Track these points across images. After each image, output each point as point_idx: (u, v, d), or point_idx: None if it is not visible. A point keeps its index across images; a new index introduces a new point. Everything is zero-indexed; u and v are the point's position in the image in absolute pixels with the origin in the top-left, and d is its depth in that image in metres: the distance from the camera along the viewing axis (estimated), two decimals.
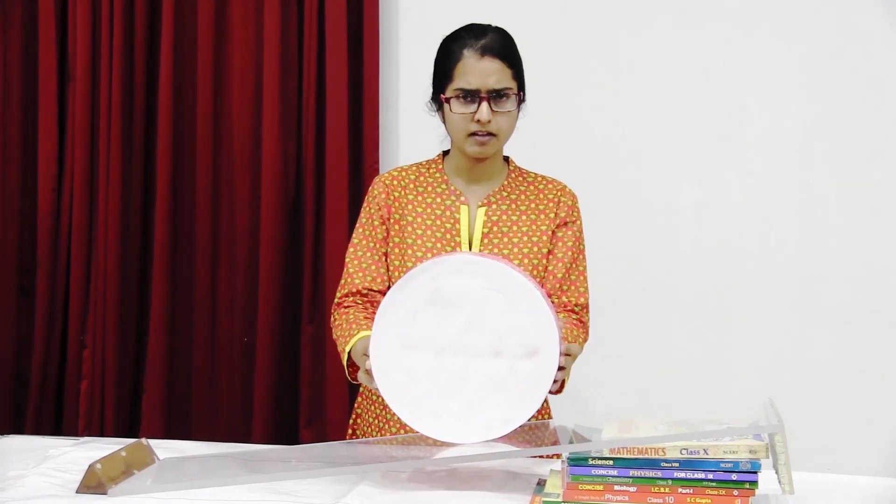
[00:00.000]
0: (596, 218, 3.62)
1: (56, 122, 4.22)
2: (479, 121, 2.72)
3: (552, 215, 2.84)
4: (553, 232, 2.82)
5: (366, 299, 2.74)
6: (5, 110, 4.22)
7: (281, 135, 4.16)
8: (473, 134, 2.73)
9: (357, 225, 2.87)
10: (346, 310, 2.75)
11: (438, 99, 2.78)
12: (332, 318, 2.83)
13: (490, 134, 2.72)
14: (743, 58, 4.21)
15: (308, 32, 4.13)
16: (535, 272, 2.79)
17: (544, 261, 2.82)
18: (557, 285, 2.80)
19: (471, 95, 2.71)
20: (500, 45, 2.74)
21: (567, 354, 2.42)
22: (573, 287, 2.83)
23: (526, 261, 2.80)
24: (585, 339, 2.83)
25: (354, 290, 2.76)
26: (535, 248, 2.81)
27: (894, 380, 3.99)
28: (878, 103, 4.11)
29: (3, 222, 4.21)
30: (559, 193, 2.86)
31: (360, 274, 2.78)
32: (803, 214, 4.10)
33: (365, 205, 2.88)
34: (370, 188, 2.89)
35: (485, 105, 2.70)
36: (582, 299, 2.84)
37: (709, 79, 4.22)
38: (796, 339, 4.07)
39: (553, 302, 2.72)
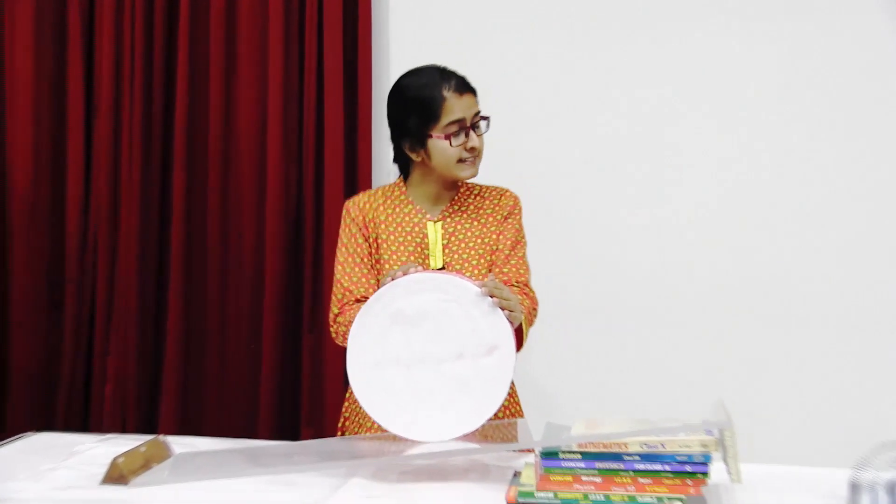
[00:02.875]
0: (560, 234, 3.82)
1: (83, 151, 4.33)
2: (472, 148, 2.85)
3: (498, 217, 2.96)
4: (499, 225, 2.95)
5: None
6: (37, 139, 4.31)
7: (283, 160, 4.26)
8: (462, 160, 2.85)
9: (339, 245, 2.93)
10: (351, 309, 2.78)
11: (422, 140, 2.84)
12: (333, 329, 2.88)
13: (475, 156, 2.88)
14: (701, 70, 4.20)
15: (308, 67, 4.23)
16: (490, 266, 2.92)
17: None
18: (503, 259, 2.90)
19: (460, 128, 2.83)
20: (467, 81, 2.88)
21: (506, 299, 2.52)
22: (515, 266, 2.92)
23: (483, 260, 2.91)
24: (534, 308, 2.88)
25: (352, 298, 2.82)
26: (488, 248, 2.93)
27: (833, 379, 4.05)
28: (811, 114, 4.13)
29: (35, 242, 4.33)
30: (500, 197, 3.00)
31: (355, 285, 2.84)
32: (749, 225, 4.17)
33: (344, 226, 2.94)
34: (345, 212, 2.95)
35: (472, 134, 2.85)
36: (523, 278, 2.92)
37: (661, 90, 4.24)
38: (743, 344, 4.15)
39: (496, 275, 2.87)
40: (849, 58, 4.10)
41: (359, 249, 2.92)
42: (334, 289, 2.91)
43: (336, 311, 2.86)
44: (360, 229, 2.93)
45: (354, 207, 2.97)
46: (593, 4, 4.27)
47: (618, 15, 4.25)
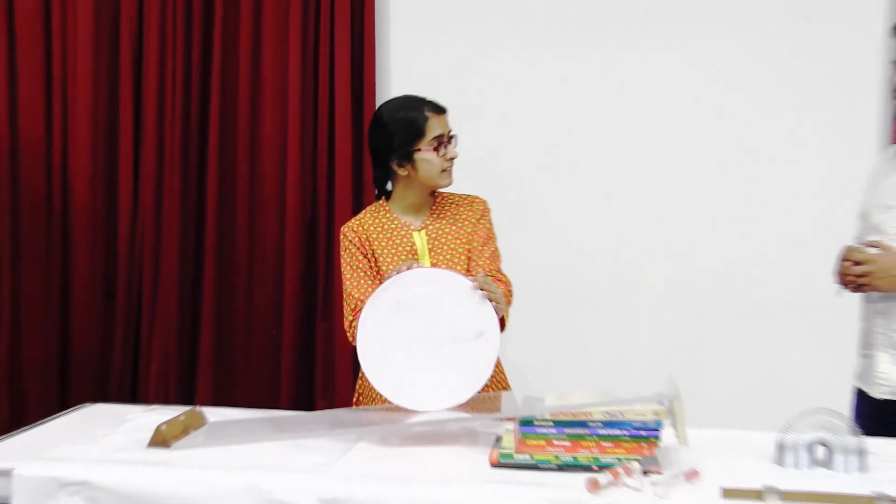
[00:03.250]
0: (533, 232, 3.83)
1: (132, 167, 4.31)
2: (451, 158, 2.89)
3: (472, 219, 2.96)
4: (473, 226, 2.95)
5: None
6: (94, 158, 4.30)
7: (300, 175, 4.26)
8: (444, 170, 2.89)
9: (344, 265, 2.92)
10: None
11: (409, 155, 2.85)
12: (350, 333, 2.81)
13: (452, 165, 2.90)
14: (645, 73, 4.19)
15: (321, 95, 4.23)
16: (469, 260, 2.92)
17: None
18: (478, 252, 2.90)
19: (440, 142, 2.86)
20: (440, 104, 2.90)
21: (493, 292, 2.58)
22: (489, 258, 2.92)
23: (463, 257, 2.91)
24: (509, 290, 2.87)
25: (362, 307, 2.70)
26: (466, 247, 2.93)
27: (764, 358, 4.10)
28: (760, 111, 4.13)
29: (92, 243, 4.33)
30: (472, 202, 3.00)
31: (364, 294, 2.78)
32: (697, 225, 4.19)
33: (344, 248, 2.93)
34: (343, 236, 2.94)
35: (450, 145, 2.89)
36: (496, 266, 2.92)
37: (627, 97, 4.21)
38: (691, 328, 4.17)
39: (474, 266, 2.87)
40: (803, 73, 4.11)
41: (361, 265, 2.91)
42: (346, 300, 2.90)
43: (350, 318, 2.84)
44: (359, 248, 2.92)
45: (350, 231, 2.96)
46: (573, 11, 4.25)
47: (591, 20, 4.24)
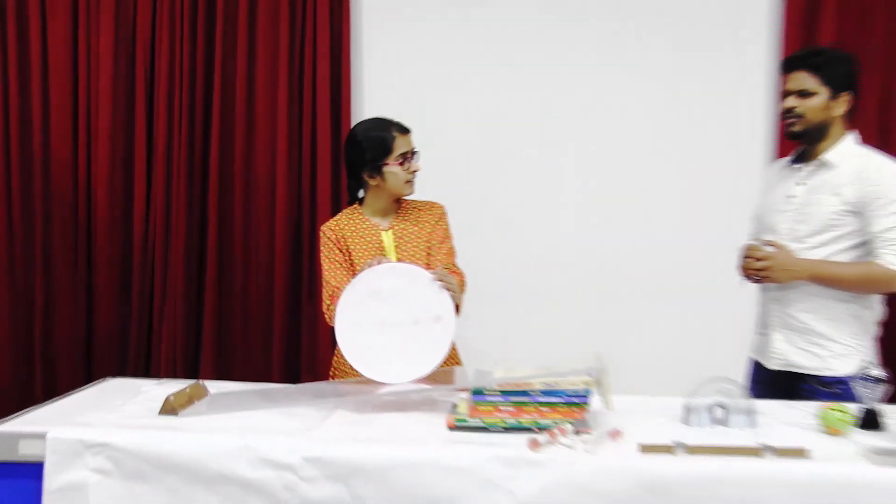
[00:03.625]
0: (479, 233, 3.78)
1: (145, 183, 4.29)
2: (414, 171, 2.90)
3: (431, 222, 2.96)
4: (432, 227, 2.95)
5: None
6: (112, 173, 4.29)
7: (288, 185, 4.23)
8: (408, 181, 2.90)
9: (322, 258, 2.92)
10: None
11: (378, 168, 2.85)
12: (328, 315, 2.80)
13: (414, 177, 2.92)
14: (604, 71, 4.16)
15: (304, 120, 4.21)
16: (429, 258, 2.90)
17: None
18: (437, 249, 2.90)
19: (405, 158, 2.88)
20: (405, 125, 2.91)
21: (449, 283, 2.60)
22: (446, 254, 2.92)
23: (424, 254, 2.91)
24: (463, 280, 2.86)
25: (338, 293, 2.70)
26: (426, 245, 2.93)
27: (673, 334, 4.12)
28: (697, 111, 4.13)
29: (112, 245, 4.32)
30: (431, 207, 3.00)
31: (340, 283, 2.78)
32: (613, 223, 4.19)
33: (323, 245, 2.93)
34: (322, 234, 2.94)
35: (413, 160, 2.90)
36: (452, 260, 2.93)
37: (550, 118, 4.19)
38: (615, 310, 4.18)
39: (433, 261, 2.87)
40: (707, 94, 4.13)
41: (338, 258, 2.91)
42: (324, 287, 2.89)
43: (328, 303, 2.83)
44: (336, 244, 2.92)
45: (329, 230, 2.96)
46: (500, 29, 4.24)
47: (521, 40, 4.23)
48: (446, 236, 2.99)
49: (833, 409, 2.30)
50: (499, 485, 2.06)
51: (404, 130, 2.91)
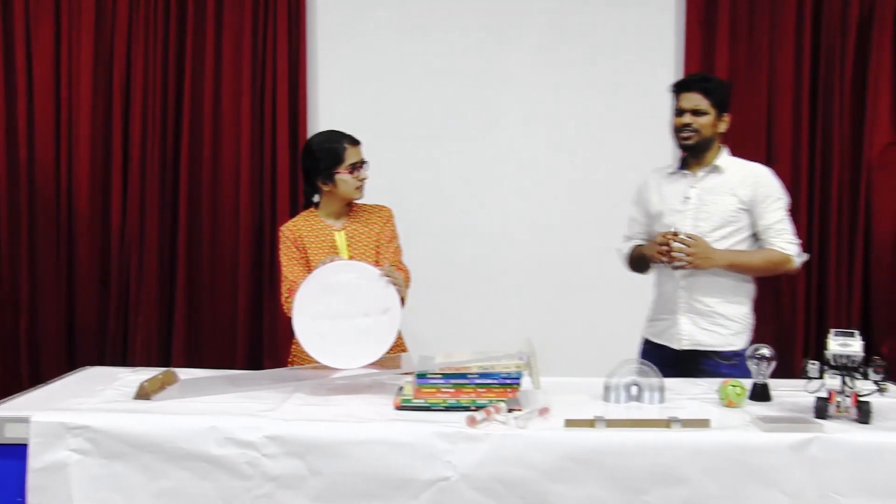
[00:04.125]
0: (421, 230, 3.64)
1: (122, 184, 4.22)
2: (363, 178, 2.87)
3: (380, 223, 2.94)
4: (381, 228, 2.92)
5: None
6: (92, 173, 4.21)
7: (251, 192, 4.18)
8: (358, 188, 2.87)
9: (281, 255, 2.90)
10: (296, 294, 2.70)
11: (331, 176, 2.83)
12: (286, 306, 2.78)
13: (363, 184, 2.88)
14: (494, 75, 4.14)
15: (266, 131, 4.16)
16: (377, 256, 2.88)
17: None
18: (385, 247, 2.87)
19: (355, 167, 2.85)
20: (355, 138, 2.88)
21: (396, 278, 2.60)
22: (393, 252, 2.90)
23: (373, 252, 2.88)
24: (408, 276, 2.85)
25: (295, 287, 2.67)
26: (375, 244, 2.90)
27: (595, 319, 4.09)
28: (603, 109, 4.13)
29: (91, 241, 4.24)
30: (380, 210, 2.97)
31: (297, 277, 2.75)
32: (541, 224, 4.18)
33: (282, 243, 2.90)
34: (281, 234, 2.91)
35: (362, 169, 2.87)
36: (399, 257, 2.91)
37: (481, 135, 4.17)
38: (543, 301, 4.17)
39: (381, 259, 2.84)
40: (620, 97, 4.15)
41: (295, 256, 2.89)
42: (283, 282, 2.87)
43: (286, 296, 2.81)
44: (293, 243, 2.90)
45: (287, 231, 2.93)
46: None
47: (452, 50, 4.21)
48: (393, 236, 2.97)
49: (730, 385, 2.35)
50: (440, 458, 2.07)
51: (355, 142, 2.89)
